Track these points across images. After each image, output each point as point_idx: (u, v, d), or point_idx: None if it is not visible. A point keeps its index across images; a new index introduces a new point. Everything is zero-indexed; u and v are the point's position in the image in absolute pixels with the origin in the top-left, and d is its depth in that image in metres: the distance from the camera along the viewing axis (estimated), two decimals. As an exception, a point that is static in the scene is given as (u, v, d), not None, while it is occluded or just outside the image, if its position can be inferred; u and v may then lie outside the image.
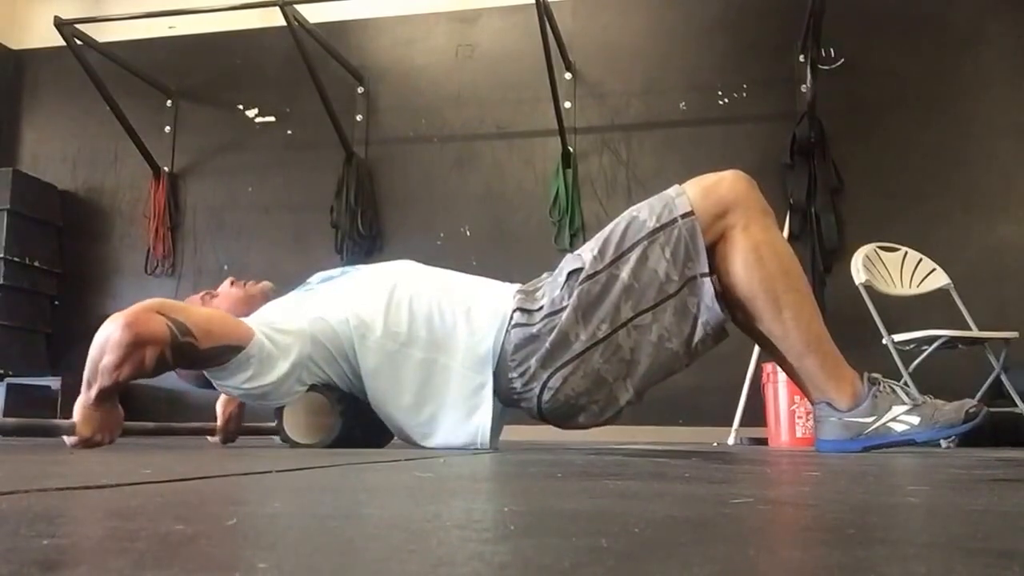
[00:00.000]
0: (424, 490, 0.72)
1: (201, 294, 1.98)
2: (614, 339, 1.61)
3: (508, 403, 1.74)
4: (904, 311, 3.28)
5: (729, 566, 0.35)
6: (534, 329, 1.64)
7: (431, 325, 1.70)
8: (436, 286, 1.76)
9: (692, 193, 1.64)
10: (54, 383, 3.86)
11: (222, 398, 2.00)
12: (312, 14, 3.87)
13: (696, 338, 1.61)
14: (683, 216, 1.61)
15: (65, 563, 0.33)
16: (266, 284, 1.99)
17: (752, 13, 3.91)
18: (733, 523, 0.50)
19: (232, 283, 1.99)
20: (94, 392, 1.50)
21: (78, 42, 3.94)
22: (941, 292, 3.29)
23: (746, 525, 0.50)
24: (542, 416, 1.71)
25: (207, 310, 1.69)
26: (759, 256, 1.61)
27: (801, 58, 3.75)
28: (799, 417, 3.05)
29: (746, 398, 3.34)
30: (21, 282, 4.18)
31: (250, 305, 1.87)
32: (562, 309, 1.62)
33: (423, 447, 1.73)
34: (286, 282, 2.02)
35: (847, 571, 0.33)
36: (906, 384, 2.36)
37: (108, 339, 1.47)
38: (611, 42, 4.06)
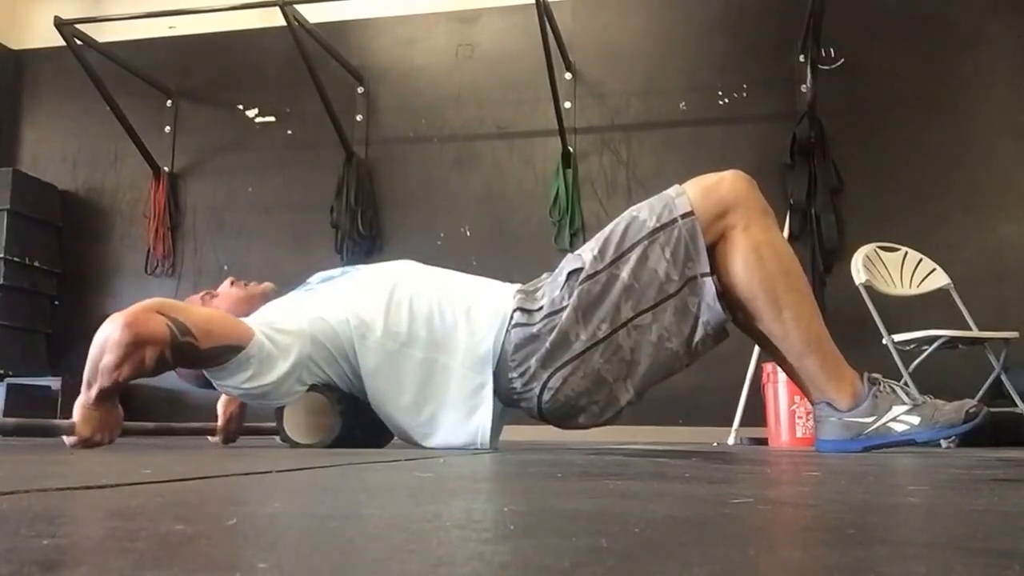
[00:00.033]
0: (424, 490, 0.72)
1: (201, 294, 1.98)
2: (614, 339, 1.61)
3: (508, 403, 1.74)
4: (904, 311, 3.28)
5: (729, 566, 0.35)
6: (534, 329, 1.64)
7: (431, 325, 1.70)
8: (436, 286, 1.77)
9: (692, 193, 1.64)
10: (54, 383, 3.86)
11: (223, 398, 2.00)
12: (312, 14, 3.87)
13: (696, 338, 1.61)
14: (683, 216, 1.61)
15: (65, 563, 0.33)
16: (268, 285, 1.99)
17: (752, 13, 3.92)
18: (733, 523, 0.50)
19: (232, 283, 1.99)
20: (94, 392, 1.50)
21: (78, 42, 3.94)
22: (941, 292, 3.29)
23: (746, 525, 0.50)
24: (542, 416, 1.71)
25: (207, 310, 1.69)
26: (759, 256, 1.61)
27: (801, 58, 3.75)
28: (799, 417, 3.05)
29: (746, 398, 3.34)
30: (21, 282, 4.18)
31: (250, 305, 1.87)
32: (562, 309, 1.62)
33: (423, 447, 1.73)
34: (286, 282, 2.02)
35: (847, 571, 0.33)
36: (906, 384, 2.36)
37: (108, 339, 1.47)
38: (611, 42, 4.06)
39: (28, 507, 0.52)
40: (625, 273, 1.61)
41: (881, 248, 3.36)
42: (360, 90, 4.26)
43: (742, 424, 3.34)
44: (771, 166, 3.70)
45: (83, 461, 1.11)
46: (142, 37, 4.40)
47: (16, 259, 4.13)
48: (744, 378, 3.34)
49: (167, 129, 4.47)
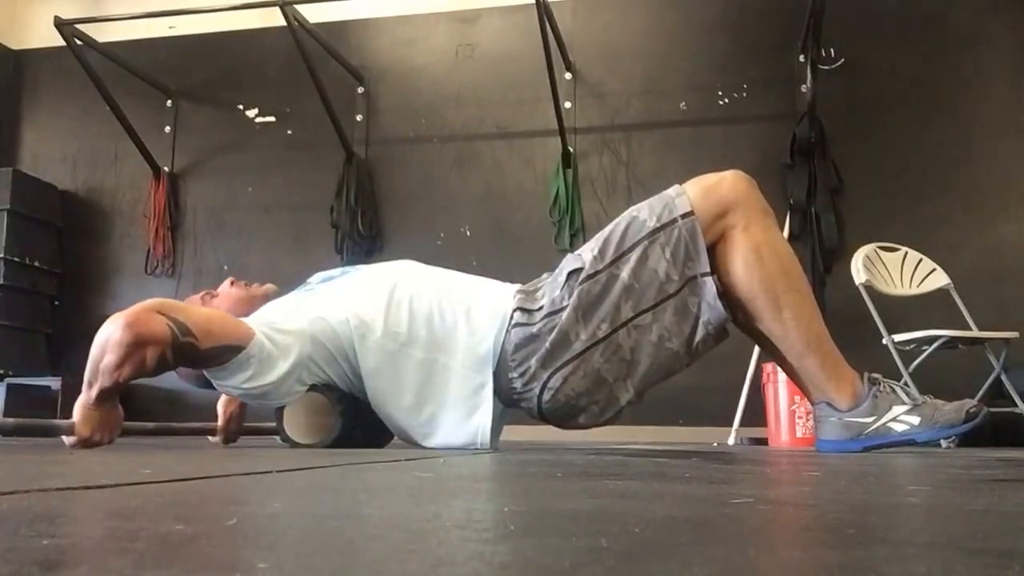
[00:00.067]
0: (424, 490, 0.72)
1: (201, 294, 1.98)
2: (614, 339, 1.61)
3: (508, 403, 1.74)
4: (904, 311, 3.28)
5: (729, 566, 0.35)
6: (534, 329, 1.64)
7: (431, 325, 1.70)
8: (436, 286, 1.77)
9: (692, 193, 1.64)
10: (54, 383, 3.86)
11: (223, 398, 2.00)
12: (312, 14, 3.87)
13: (697, 338, 1.61)
14: (683, 216, 1.61)
15: (65, 563, 0.33)
16: (269, 287, 1.99)
17: (752, 13, 3.92)
18: (733, 523, 0.50)
19: (232, 283, 1.99)
20: (95, 392, 1.50)
21: (78, 42, 3.94)
22: (941, 292, 3.29)
23: (746, 525, 0.50)
24: (542, 416, 1.71)
25: (207, 310, 1.69)
26: (759, 256, 1.61)
27: (801, 58, 3.75)
28: (799, 417, 3.05)
29: (746, 398, 3.34)
30: (21, 282, 4.18)
31: (250, 306, 1.87)
32: (562, 309, 1.62)
33: (423, 447, 1.73)
34: (286, 282, 2.02)
35: (847, 571, 0.33)
36: (906, 384, 2.36)
37: (109, 339, 1.47)
38: (611, 42, 4.06)
39: (28, 507, 0.52)
40: (625, 273, 1.61)
41: (881, 248, 3.36)
42: (360, 90, 4.26)
43: (742, 424, 3.34)
44: (771, 166, 3.70)
45: (83, 461, 1.11)
46: (142, 37, 4.40)
47: (16, 259, 4.13)
48: (744, 378, 3.34)
49: (167, 129, 4.47)
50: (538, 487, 0.76)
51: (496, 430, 1.73)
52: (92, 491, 0.65)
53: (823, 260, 3.63)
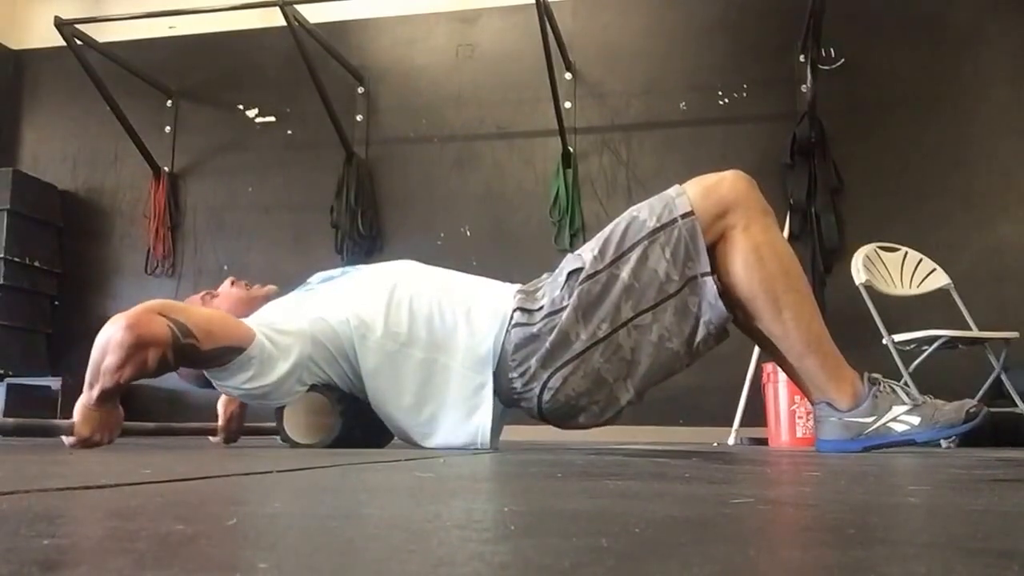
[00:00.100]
0: (424, 490, 0.72)
1: (201, 294, 1.98)
2: (614, 339, 1.61)
3: (508, 403, 1.74)
4: (904, 311, 3.28)
5: (729, 566, 0.35)
6: (534, 329, 1.64)
7: (431, 325, 1.70)
8: (436, 286, 1.77)
9: (692, 193, 1.64)
10: (54, 383, 3.86)
11: (223, 398, 2.00)
12: (312, 14, 3.87)
13: (698, 338, 1.61)
14: (683, 216, 1.61)
15: (65, 563, 0.33)
16: (271, 288, 1.99)
17: (752, 13, 3.92)
18: (733, 523, 0.50)
19: (232, 283, 1.99)
20: (95, 392, 1.50)
21: (78, 42, 3.94)
22: (941, 292, 3.29)
23: (746, 525, 0.50)
24: (542, 416, 1.71)
25: (208, 311, 1.69)
26: (759, 256, 1.61)
27: (801, 58, 3.75)
28: (799, 417, 3.05)
29: (746, 398, 3.34)
30: (21, 282, 4.18)
31: (251, 306, 1.87)
32: (562, 309, 1.62)
33: (423, 447, 1.73)
34: (286, 282, 2.02)
35: (847, 571, 0.33)
36: (906, 384, 2.36)
37: (110, 340, 1.47)
38: (611, 42, 4.06)
39: (28, 507, 0.52)
40: (625, 273, 1.61)
41: (881, 248, 3.36)
42: (360, 90, 4.26)
43: (742, 424, 3.34)
44: (771, 166, 3.70)
45: (83, 461, 1.11)
46: (142, 37, 4.40)
47: (16, 259, 4.13)
48: (744, 378, 3.34)
49: (167, 129, 4.47)
50: (538, 487, 0.76)
51: (496, 430, 1.73)
52: (92, 491, 0.65)
53: (823, 260, 3.63)
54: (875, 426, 1.62)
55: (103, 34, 4.16)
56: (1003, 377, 3.04)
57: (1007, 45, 3.71)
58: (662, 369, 1.64)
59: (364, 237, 4.07)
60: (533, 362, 1.64)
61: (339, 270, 1.90)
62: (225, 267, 4.23)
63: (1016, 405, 3.02)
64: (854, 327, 3.01)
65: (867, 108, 3.75)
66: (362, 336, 1.69)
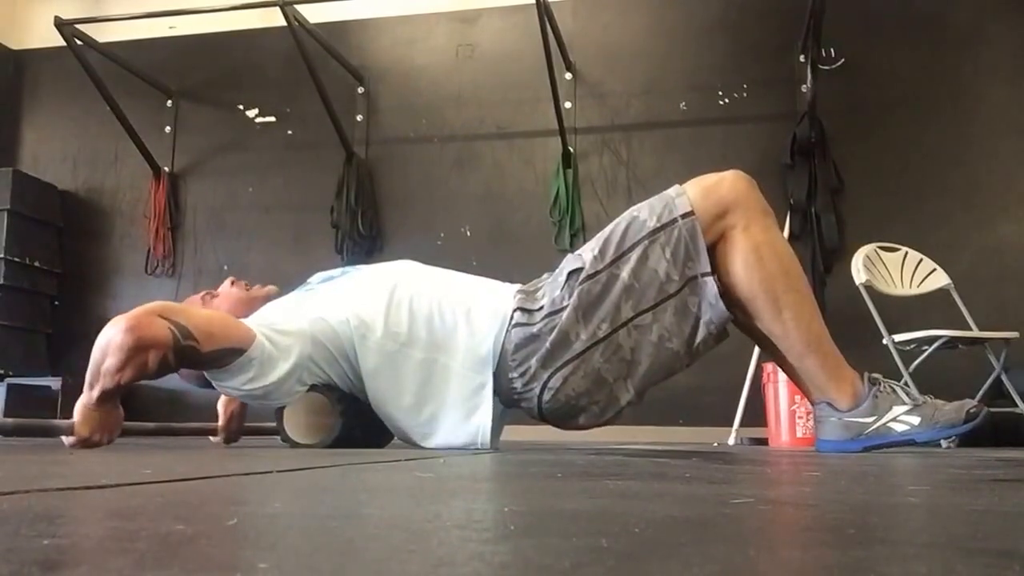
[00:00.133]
0: (424, 490, 0.72)
1: (201, 294, 1.97)
2: (614, 339, 1.61)
3: (508, 403, 1.74)
4: (904, 311, 3.28)
5: (729, 566, 0.35)
6: (534, 329, 1.64)
7: (431, 325, 1.70)
8: (436, 286, 1.77)
9: (692, 193, 1.64)
10: (54, 383, 3.86)
11: (223, 398, 2.00)
12: (312, 14, 3.87)
13: (698, 338, 1.61)
14: (683, 216, 1.61)
15: (65, 563, 0.33)
16: (271, 289, 1.99)
17: (752, 13, 3.92)
18: (733, 523, 0.50)
19: (232, 283, 1.99)
20: (96, 393, 1.50)
21: (78, 42, 3.94)
22: (941, 292, 3.29)
23: (746, 525, 0.50)
24: (542, 416, 1.71)
25: (208, 312, 1.69)
26: (759, 256, 1.61)
27: (801, 58, 3.75)
28: (799, 417, 3.05)
29: (746, 398, 3.34)
30: (21, 282, 4.18)
31: (251, 306, 1.87)
32: (562, 309, 1.62)
33: (423, 447, 1.73)
34: (286, 282, 2.02)
35: (847, 571, 0.33)
36: (906, 384, 2.36)
37: (110, 342, 1.47)
38: (611, 42, 4.06)
39: (28, 507, 0.52)
40: (625, 273, 1.61)
41: (881, 248, 3.36)
42: (360, 90, 4.26)
43: (742, 424, 3.34)
44: (771, 166, 3.70)
45: (83, 461, 1.11)
46: (142, 37, 4.40)
47: (16, 259, 4.13)
48: (744, 378, 3.34)
49: (167, 129, 4.47)
50: (538, 487, 0.76)
51: (496, 430, 1.73)
52: (92, 491, 0.65)
53: (823, 260, 3.63)
54: (875, 426, 1.62)
55: (103, 34, 4.16)
56: (1003, 377, 3.04)
57: (1007, 45, 3.71)
58: (662, 369, 1.64)
59: (364, 237, 4.07)
60: (533, 362, 1.64)
61: (339, 270, 1.90)
62: (225, 267, 4.23)
63: (1016, 405, 3.02)
64: (854, 327, 3.01)
65: (867, 108, 3.75)
66: (362, 336, 1.69)
